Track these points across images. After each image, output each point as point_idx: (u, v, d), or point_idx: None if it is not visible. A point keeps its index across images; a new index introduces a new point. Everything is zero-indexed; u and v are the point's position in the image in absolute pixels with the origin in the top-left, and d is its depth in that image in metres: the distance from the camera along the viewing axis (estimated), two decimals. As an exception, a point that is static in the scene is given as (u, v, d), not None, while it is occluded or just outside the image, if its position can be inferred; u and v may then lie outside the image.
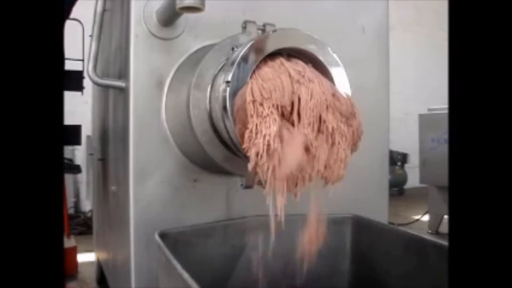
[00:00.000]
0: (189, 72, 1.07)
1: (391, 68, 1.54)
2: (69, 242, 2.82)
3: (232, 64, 0.91)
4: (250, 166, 0.84)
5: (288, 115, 0.91)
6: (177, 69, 1.18)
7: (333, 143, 0.91)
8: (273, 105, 0.87)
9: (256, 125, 0.85)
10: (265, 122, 0.85)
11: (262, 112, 0.85)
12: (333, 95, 0.93)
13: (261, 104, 0.86)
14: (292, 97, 0.90)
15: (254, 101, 0.86)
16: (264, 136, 0.83)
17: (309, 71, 0.93)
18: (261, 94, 0.87)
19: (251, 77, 0.91)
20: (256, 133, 0.84)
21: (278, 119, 0.86)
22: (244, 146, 0.86)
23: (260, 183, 0.86)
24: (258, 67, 0.93)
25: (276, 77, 0.90)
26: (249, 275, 1.07)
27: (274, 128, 0.84)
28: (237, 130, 0.89)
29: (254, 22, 1.07)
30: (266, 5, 1.28)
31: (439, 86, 4.35)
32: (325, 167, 0.90)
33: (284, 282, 1.10)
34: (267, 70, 0.92)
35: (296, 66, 0.94)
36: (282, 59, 0.96)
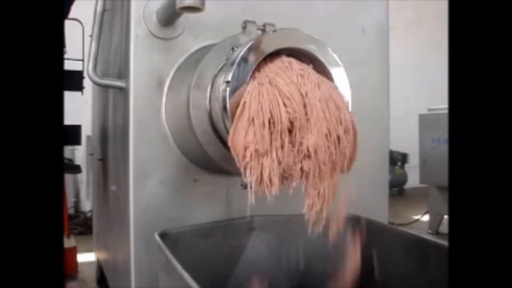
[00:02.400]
0: (189, 72, 1.07)
1: (391, 68, 1.54)
2: (69, 242, 2.81)
3: (232, 64, 0.91)
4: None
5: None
6: (177, 69, 1.18)
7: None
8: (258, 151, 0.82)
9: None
10: (249, 169, 0.82)
11: (245, 157, 0.82)
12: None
13: (246, 148, 0.82)
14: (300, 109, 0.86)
15: (234, 150, 0.83)
16: (250, 183, 0.82)
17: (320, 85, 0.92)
18: (247, 134, 0.82)
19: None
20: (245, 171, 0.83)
21: (269, 161, 0.82)
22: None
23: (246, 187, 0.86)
24: (257, 68, 0.93)
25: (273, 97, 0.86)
26: (249, 275, 1.07)
27: (255, 176, 0.82)
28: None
29: (254, 22, 1.07)
30: (266, 5, 1.28)
31: (439, 86, 4.36)
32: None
33: (284, 282, 1.10)
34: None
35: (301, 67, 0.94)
36: (292, 60, 0.95)
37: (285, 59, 0.96)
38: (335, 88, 0.98)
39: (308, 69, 0.95)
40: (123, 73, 1.27)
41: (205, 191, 1.21)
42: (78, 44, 2.85)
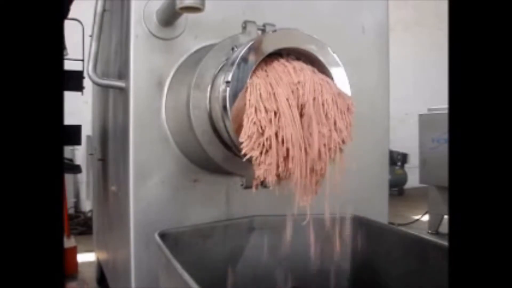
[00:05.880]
0: (189, 72, 1.07)
1: (391, 68, 1.54)
2: (69, 242, 2.81)
3: (232, 64, 0.91)
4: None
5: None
6: (177, 69, 1.18)
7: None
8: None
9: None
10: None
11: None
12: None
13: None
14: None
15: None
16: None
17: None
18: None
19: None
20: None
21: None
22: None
23: (262, 184, 0.86)
24: (257, 68, 0.93)
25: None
26: (249, 275, 1.07)
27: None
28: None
29: (254, 22, 1.07)
30: (266, 5, 1.28)
31: (439, 86, 4.35)
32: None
33: (284, 282, 1.10)
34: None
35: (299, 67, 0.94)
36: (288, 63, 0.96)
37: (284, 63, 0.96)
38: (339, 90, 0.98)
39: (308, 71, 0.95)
40: (123, 73, 1.27)
41: (205, 191, 1.21)
42: (78, 44, 2.85)
